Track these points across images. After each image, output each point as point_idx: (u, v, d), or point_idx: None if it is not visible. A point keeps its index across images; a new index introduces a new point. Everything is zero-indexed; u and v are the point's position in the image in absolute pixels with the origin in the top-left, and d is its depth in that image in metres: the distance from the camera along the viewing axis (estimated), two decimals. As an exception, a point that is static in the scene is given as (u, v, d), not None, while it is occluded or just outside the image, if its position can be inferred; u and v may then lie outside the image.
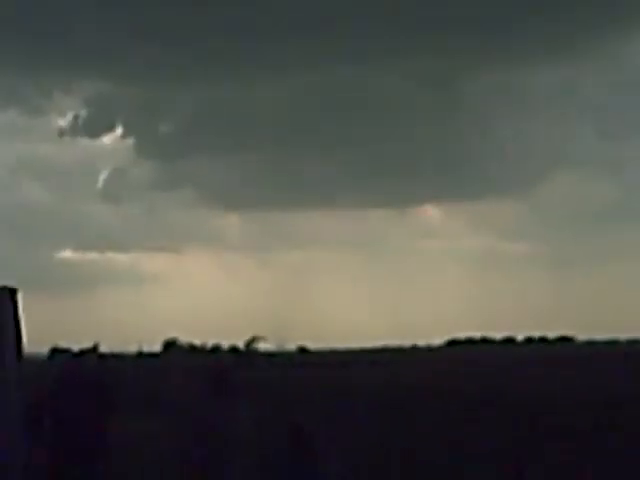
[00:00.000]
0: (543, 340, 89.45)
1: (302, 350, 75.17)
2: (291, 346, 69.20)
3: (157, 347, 65.15)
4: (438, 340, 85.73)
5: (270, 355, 56.62)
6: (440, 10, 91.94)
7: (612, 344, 79.22)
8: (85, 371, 10.26)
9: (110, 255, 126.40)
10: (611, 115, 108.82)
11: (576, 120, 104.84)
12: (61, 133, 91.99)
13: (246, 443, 8.14)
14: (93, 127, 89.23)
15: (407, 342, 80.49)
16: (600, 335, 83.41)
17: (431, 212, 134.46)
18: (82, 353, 12.76)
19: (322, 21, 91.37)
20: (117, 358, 34.64)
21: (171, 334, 65.69)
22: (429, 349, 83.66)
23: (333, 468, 8.75)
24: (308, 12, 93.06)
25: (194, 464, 8.39)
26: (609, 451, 12.25)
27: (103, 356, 12.13)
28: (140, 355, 57.57)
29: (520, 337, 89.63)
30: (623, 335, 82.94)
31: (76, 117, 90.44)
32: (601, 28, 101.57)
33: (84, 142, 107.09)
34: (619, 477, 11.05)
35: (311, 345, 74.36)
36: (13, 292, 9.13)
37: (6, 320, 9.08)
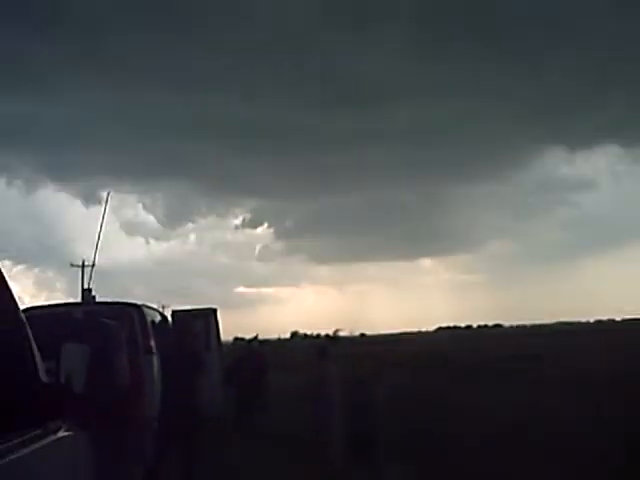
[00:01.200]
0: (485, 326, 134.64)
1: (362, 335, 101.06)
2: (356, 333, 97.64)
3: (287, 335, 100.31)
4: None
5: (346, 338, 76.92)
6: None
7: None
8: (251, 350, 15.52)
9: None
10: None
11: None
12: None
13: (334, 383, 11.30)
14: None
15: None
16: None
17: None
18: (249, 340, 17.95)
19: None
20: (269, 342, 48.68)
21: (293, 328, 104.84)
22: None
23: (380, 403, 11.46)
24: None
25: (306, 394, 12.19)
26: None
27: (261, 342, 17.90)
28: (279, 340, 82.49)
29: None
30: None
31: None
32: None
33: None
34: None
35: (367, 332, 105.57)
36: (215, 310, 14.81)
37: (212, 325, 14.50)
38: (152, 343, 10.31)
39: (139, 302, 11.28)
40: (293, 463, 10.43)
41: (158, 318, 12.52)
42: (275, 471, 9.99)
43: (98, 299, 11.27)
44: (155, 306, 12.55)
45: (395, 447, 10.80)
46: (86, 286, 12.45)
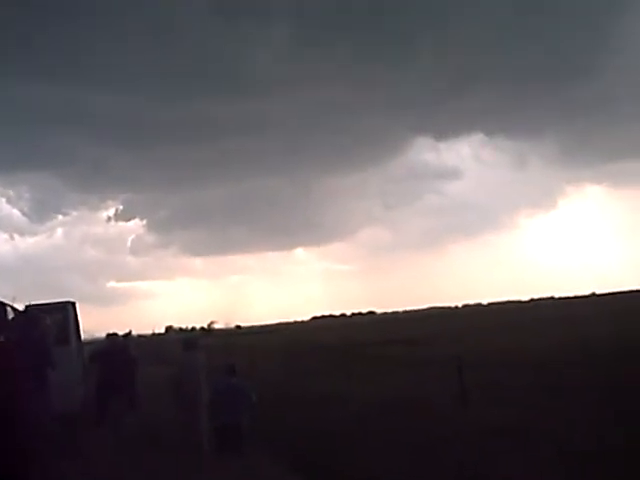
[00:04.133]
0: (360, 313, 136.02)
1: (238, 327, 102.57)
2: (232, 325, 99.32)
3: (162, 330, 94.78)
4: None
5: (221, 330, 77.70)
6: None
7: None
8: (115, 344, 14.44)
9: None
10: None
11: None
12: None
13: (201, 371, 11.40)
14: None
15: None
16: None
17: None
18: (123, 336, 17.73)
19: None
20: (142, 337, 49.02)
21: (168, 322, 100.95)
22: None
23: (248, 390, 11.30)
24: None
25: (175, 381, 11.71)
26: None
27: (125, 336, 17.34)
28: (153, 335, 79.48)
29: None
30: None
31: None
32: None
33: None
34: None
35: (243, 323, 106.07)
36: (73, 304, 14.20)
37: (70, 319, 13.85)
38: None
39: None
40: (158, 453, 10.35)
41: (10, 314, 11.75)
42: (134, 460, 9.86)
43: None
44: (6, 301, 11.69)
45: (259, 432, 11.00)
46: None
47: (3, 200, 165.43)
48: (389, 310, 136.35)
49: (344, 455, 8.58)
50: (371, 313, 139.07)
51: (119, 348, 15.05)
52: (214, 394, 11.26)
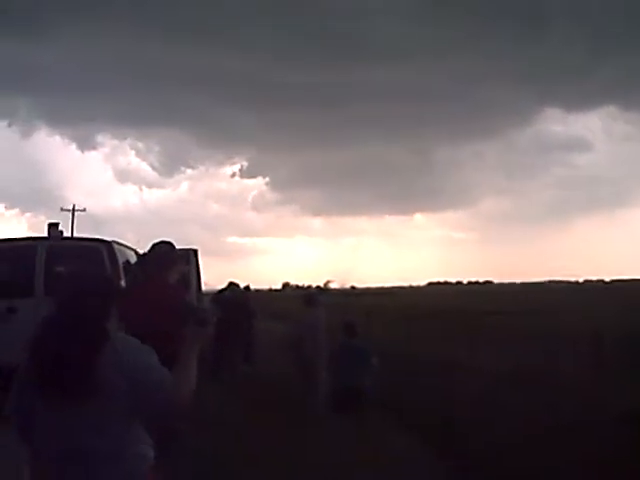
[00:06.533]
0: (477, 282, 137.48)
1: (353, 287, 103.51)
2: (347, 285, 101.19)
3: (279, 286, 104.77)
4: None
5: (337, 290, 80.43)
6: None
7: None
8: (236, 294, 14.42)
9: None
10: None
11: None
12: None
13: (322, 329, 10.73)
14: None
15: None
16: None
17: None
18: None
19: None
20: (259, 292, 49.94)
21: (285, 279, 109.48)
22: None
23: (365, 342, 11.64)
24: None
25: (294, 338, 11.02)
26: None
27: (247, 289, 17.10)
28: (270, 290, 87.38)
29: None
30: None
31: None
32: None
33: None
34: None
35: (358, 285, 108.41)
36: (195, 252, 13.72)
37: (192, 267, 13.16)
38: (122, 282, 9.35)
39: (109, 239, 10.46)
40: (274, 412, 9.88)
41: (133, 257, 11.48)
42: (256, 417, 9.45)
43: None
44: (130, 244, 11.43)
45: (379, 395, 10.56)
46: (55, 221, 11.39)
47: (133, 153, 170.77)
48: (507, 281, 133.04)
49: (478, 430, 7.70)
50: (488, 283, 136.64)
51: (239, 299, 14.72)
52: (335, 354, 10.83)
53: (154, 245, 6.10)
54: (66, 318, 2.75)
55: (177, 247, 6.28)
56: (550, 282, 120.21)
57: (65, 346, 2.67)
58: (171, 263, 5.96)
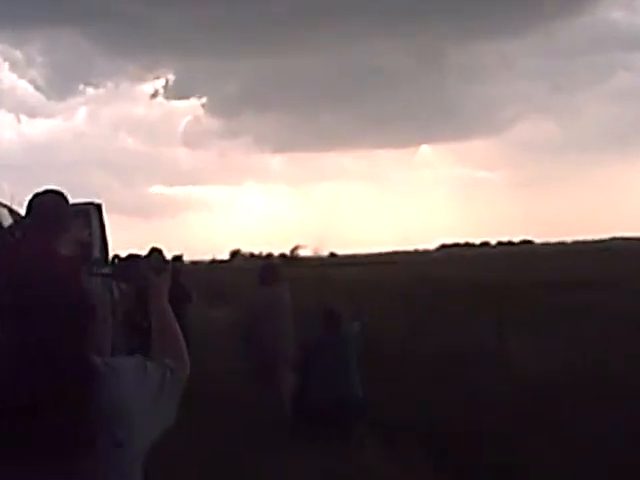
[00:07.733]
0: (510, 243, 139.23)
1: (332, 254, 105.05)
2: (324, 252, 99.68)
3: (225, 256, 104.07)
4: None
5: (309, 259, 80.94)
6: None
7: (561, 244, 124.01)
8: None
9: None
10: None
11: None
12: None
13: (285, 316, 11.27)
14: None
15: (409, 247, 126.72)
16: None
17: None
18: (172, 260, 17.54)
19: None
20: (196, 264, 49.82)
21: (234, 245, 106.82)
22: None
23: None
24: None
25: (245, 329, 11.70)
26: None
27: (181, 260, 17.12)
28: (214, 262, 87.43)
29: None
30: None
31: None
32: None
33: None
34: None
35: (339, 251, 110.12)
36: (99, 206, 13.64)
37: (95, 228, 13.34)
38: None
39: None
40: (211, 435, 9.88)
41: (8, 219, 11.40)
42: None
43: None
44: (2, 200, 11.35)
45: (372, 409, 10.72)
46: None
47: (6, 66, 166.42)
48: (552, 240, 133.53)
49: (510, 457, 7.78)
50: (526, 243, 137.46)
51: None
52: (305, 352, 11.01)
53: (36, 196, 5.88)
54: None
55: (72, 201, 6.10)
56: (612, 239, 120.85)
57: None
58: (62, 224, 5.75)
